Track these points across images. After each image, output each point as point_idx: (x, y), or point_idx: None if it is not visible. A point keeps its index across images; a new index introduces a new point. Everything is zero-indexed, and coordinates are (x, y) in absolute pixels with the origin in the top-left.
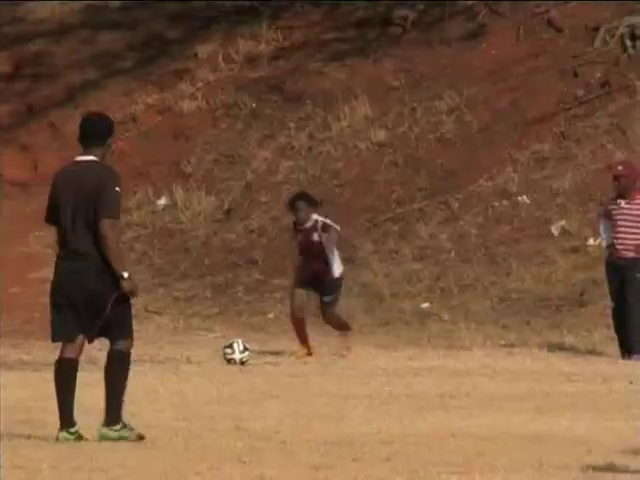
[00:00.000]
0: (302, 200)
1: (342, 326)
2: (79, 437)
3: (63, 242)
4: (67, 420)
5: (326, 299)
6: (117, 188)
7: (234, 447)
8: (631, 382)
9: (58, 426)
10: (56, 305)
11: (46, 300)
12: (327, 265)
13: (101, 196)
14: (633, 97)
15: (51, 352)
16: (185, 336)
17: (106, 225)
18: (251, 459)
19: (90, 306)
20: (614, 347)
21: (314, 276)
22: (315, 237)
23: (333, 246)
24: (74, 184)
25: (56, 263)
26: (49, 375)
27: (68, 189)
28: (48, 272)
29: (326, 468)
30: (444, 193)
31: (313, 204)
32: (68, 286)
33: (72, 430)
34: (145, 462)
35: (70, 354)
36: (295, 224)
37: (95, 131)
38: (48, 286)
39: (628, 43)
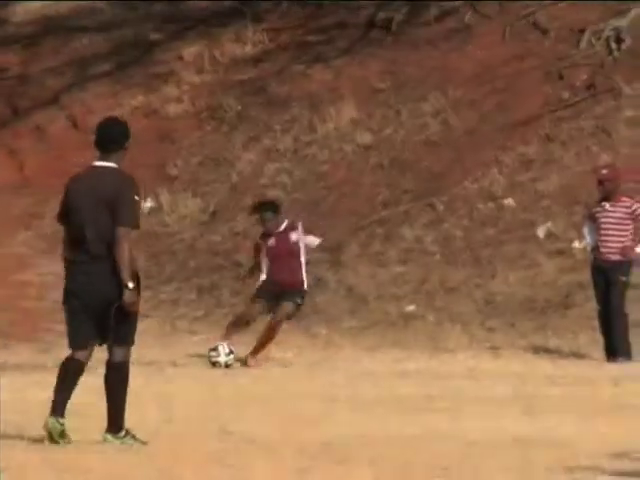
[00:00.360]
0: (268, 211)
1: (271, 334)
2: (63, 433)
3: (75, 245)
4: (59, 409)
5: (290, 306)
6: (136, 197)
7: (219, 450)
8: (616, 385)
9: (48, 413)
10: (71, 310)
11: (29, 303)
12: (298, 272)
13: (119, 203)
14: (618, 99)
15: (35, 355)
16: (170, 338)
17: (122, 233)
18: (236, 462)
19: (103, 309)
20: (599, 350)
21: (281, 288)
22: (294, 237)
23: (309, 247)
24: (90, 189)
25: (68, 267)
26: (34, 377)
27: (84, 193)
28: (33, 274)
29: (311, 471)
30: (429, 195)
31: (279, 210)
32: (81, 289)
33: (61, 421)
34: (131, 465)
35: (81, 357)
36: (264, 233)
37: (112, 136)
38: (32, 289)
39: (613, 46)
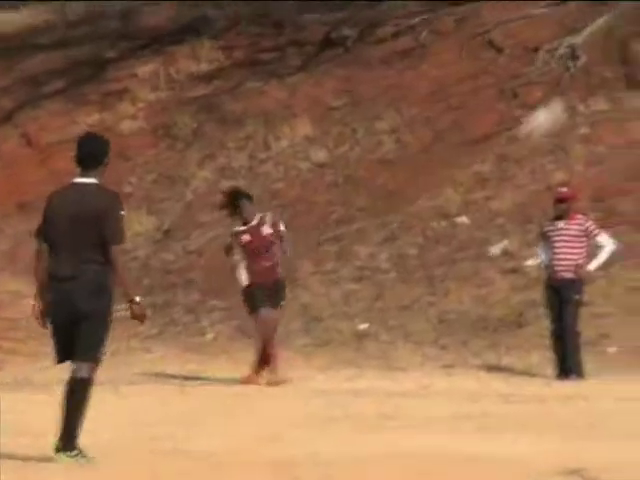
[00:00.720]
0: (244, 198)
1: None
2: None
3: (53, 261)
4: (70, 443)
5: (282, 303)
6: (122, 212)
7: (172, 468)
8: (568, 403)
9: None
10: (52, 327)
11: None
12: (276, 268)
13: (108, 221)
14: (573, 117)
15: None
16: (124, 356)
17: (116, 252)
18: None
19: (79, 326)
20: (552, 368)
21: (270, 280)
22: (265, 231)
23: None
24: (73, 206)
25: (49, 285)
26: None
27: (66, 210)
28: None
29: None
30: (384, 213)
31: (251, 199)
32: (60, 307)
33: (73, 453)
34: None
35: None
36: (236, 232)
37: (92, 152)
38: None
39: (569, 63)
